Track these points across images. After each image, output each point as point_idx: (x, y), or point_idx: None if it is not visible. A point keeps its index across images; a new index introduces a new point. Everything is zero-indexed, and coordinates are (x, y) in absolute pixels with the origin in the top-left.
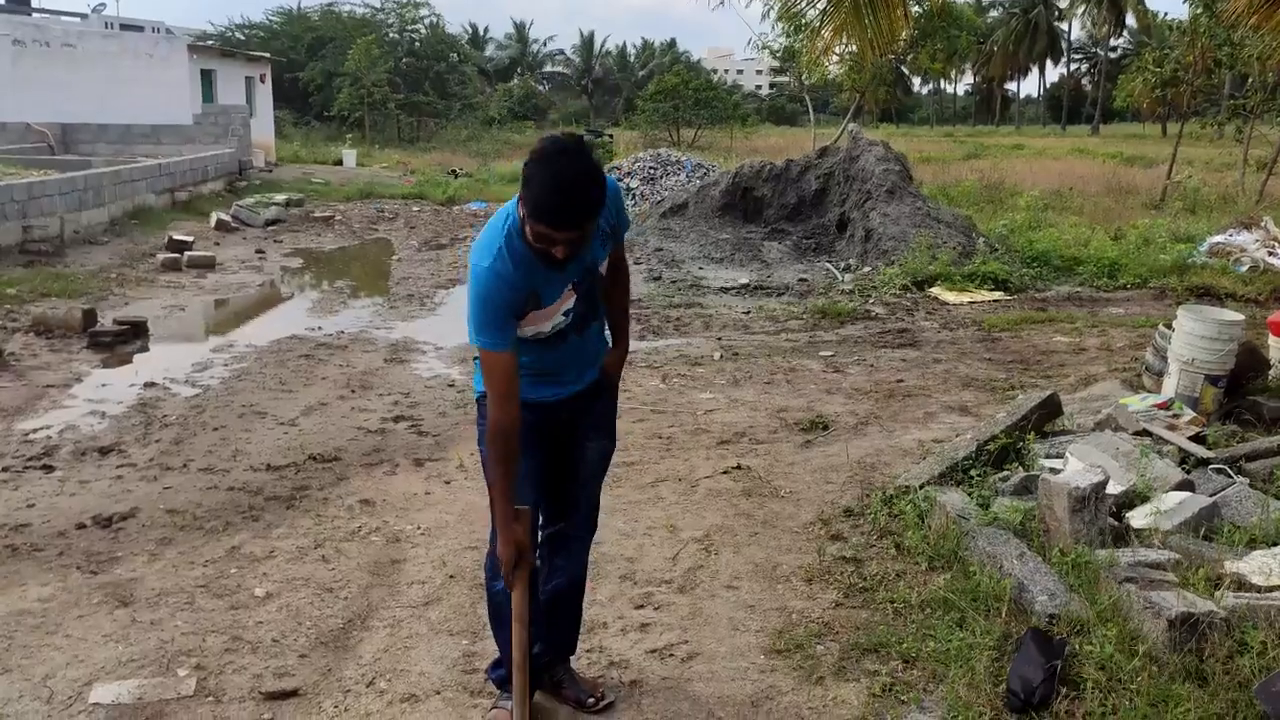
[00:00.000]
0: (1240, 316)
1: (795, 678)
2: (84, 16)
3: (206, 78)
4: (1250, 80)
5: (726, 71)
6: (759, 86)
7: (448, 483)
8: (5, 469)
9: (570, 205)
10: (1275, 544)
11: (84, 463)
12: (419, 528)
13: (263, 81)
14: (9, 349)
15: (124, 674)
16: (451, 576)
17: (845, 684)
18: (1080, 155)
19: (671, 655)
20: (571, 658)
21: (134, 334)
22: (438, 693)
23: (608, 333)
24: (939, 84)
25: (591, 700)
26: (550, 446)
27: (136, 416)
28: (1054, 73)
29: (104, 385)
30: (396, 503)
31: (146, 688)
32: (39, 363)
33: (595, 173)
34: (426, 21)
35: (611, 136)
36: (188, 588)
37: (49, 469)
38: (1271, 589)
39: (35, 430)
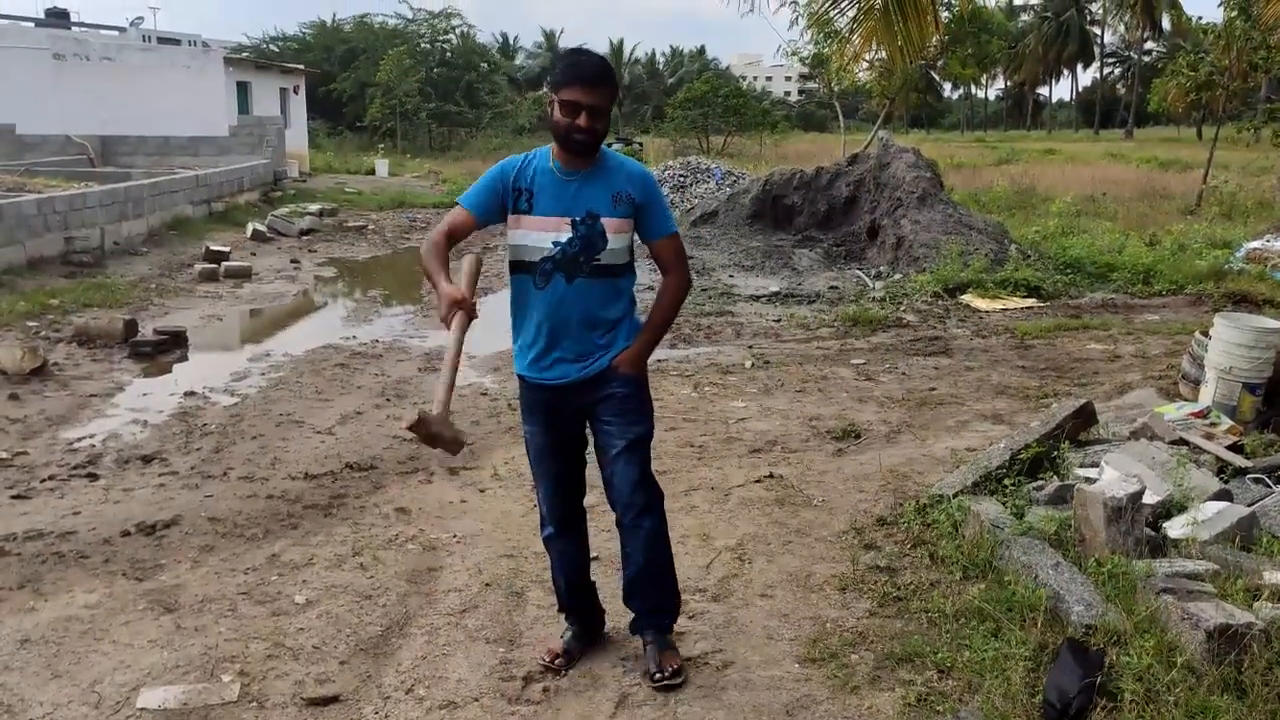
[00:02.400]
0: (1278, 324)
1: (830, 687)
2: (122, 30)
3: (242, 90)
4: None
5: (755, 78)
6: (788, 93)
7: (483, 491)
8: (51, 477)
9: (591, 63)
10: None
11: (127, 471)
12: (455, 536)
13: (296, 93)
14: (53, 359)
15: (169, 679)
16: (488, 584)
17: (880, 693)
18: (1114, 160)
19: (706, 664)
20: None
21: (174, 344)
22: (476, 700)
23: (622, 332)
24: (969, 89)
25: (658, 675)
26: (565, 434)
27: (177, 425)
28: (1086, 76)
29: (145, 394)
30: (432, 511)
31: (191, 693)
32: (82, 372)
33: (606, 59)
34: (458, 31)
35: (641, 144)
36: (230, 595)
37: (93, 477)
38: None
39: (79, 439)
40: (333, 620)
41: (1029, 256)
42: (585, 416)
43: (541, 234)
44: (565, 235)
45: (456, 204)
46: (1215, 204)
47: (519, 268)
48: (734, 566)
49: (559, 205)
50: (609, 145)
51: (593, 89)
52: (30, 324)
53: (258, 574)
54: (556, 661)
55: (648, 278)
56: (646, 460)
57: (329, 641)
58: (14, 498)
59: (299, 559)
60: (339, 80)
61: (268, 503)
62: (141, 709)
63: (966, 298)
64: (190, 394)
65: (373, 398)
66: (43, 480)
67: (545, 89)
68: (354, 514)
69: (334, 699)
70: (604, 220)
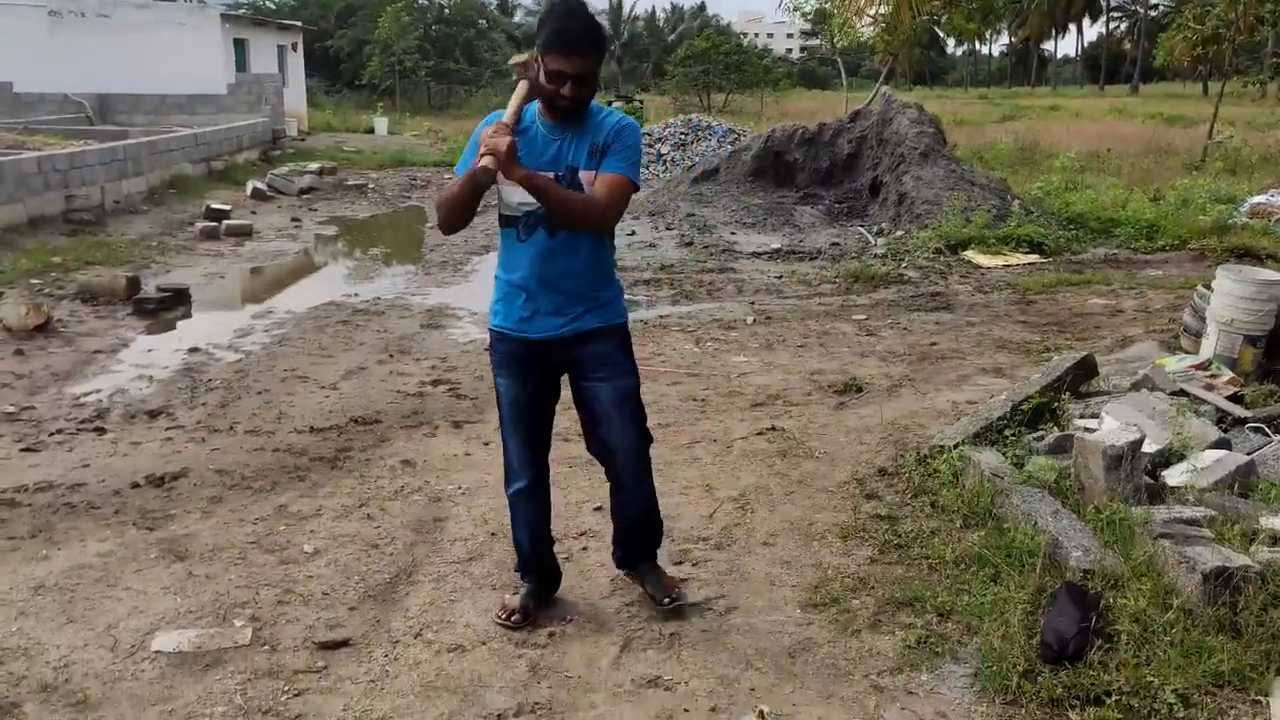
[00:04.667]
0: None
1: (831, 630)
2: None
3: (239, 47)
4: None
5: (756, 35)
6: (789, 50)
7: (486, 444)
8: (59, 431)
9: (577, 30)
10: None
11: (134, 425)
12: (459, 487)
13: (294, 50)
14: (57, 316)
15: (183, 624)
16: (493, 534)
17: (881, 636)
18: (1119, 116)
19: (710, 609)
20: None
21: (176, 301)
22: (484, 643)
23: (605, 293)
24: (973, 45)
25: (667, 600)
26: (542, 390)
27: (183, 381)
28: (1092, 31)
29: (150, 350)
30: (437, 463)
31: (205, 637)
32: (86, 329)
33: (595, 18)
34: None
35: (642, 102)
36: (239, 544)
37: (101, 431)
38: None
39: (86, 394)
40: (341, 568)
41: (1032, 213)
42: (562, 373)
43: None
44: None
45: (453, 175)
46: (1220, 159)
47: (505, 221)
48: (736, 516)
49: (543, 161)
50: (609, 104)
51: (580, 58)
52: (33, 281)
53: (266, 524)
54: (514, 618)
55: (648, 234)
56: (642, 413)
57: (338, 588)
58: (23, 450)
59: (306, 510)
60: (336, 37)
61: (274, 455)
62: (157, 651)
63: (968, 254)
64: (194, 350)
65: (376, 354)
66: (51, 434)
67: (534, 47)
68: (360, 466)
69: (344, 643)
70: (582, 174)
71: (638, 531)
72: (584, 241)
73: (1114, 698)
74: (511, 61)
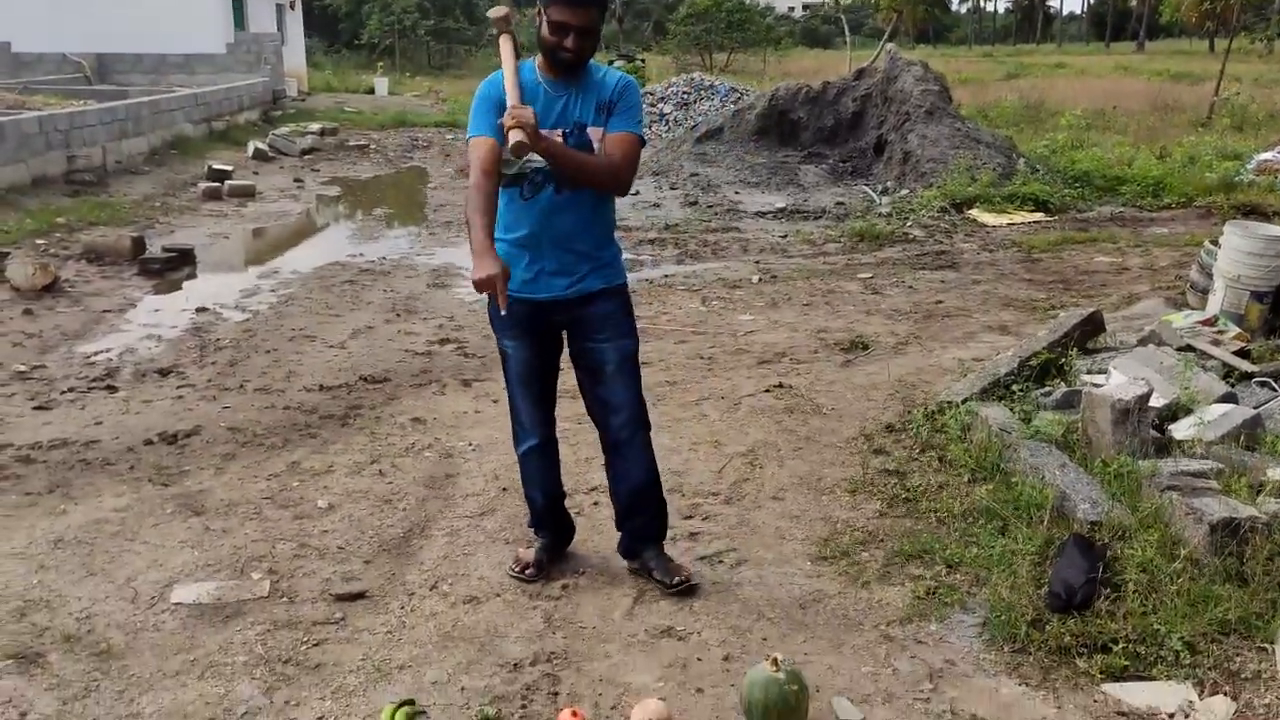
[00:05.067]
0: None
1: (841, 582)
2: None
3: (237, 5)
4: None
5: None
6: (792, 9)
7: (495, 401)
8: (71, 389)
9: None
10: None
11: (145, 383)
12: (470, 444)
13: (293, 8)
14: (63, 276)
15: (201, 577)
16: (504, 489)
17: (890, 587)
18: (1124, 73)
19: (721, 562)
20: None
21: (182, 261)
22: (498, 595)
23: (608, 255)
24: (978, 2)
25: (678, 580)
26: (547, 349)
27: (191, 340)
28: None
29: (157, 310)
30: (447, 421)
31: (224, 589)
32: (93, 289)
33: None
34: None
35: (644, 61)
36: (254, 499)
37: (112, 389)
38: None
39: (96, 353)
40: (355, 523)
41: (1037, 171)
42: (564, 331)
43: None
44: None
45: (470, 140)
46: (1226, 116)
47: (510, 180)
48: (745, 471)
49: (549, 119)
50: (611, 63)
51: (584, 9)
52: (39, 242)
53: (279, 480)
54: (528, 571)
55: (652, 193)
56: (639, 374)
57: (353, 542)
58: (36, 408)
59: (319, 466)
60: None
61: (285, 413)
62: (177, 603)
63: (973, 212)
64: (202, 310)
65: (383, 313)
66: (63, 392)
67: (538, 3)
68: (370, 424)
69: (361, 595)
70: (590, 129)
71: (643, 504)
72: (589, 197)
73: (1121, 645)
74: (491, 15)
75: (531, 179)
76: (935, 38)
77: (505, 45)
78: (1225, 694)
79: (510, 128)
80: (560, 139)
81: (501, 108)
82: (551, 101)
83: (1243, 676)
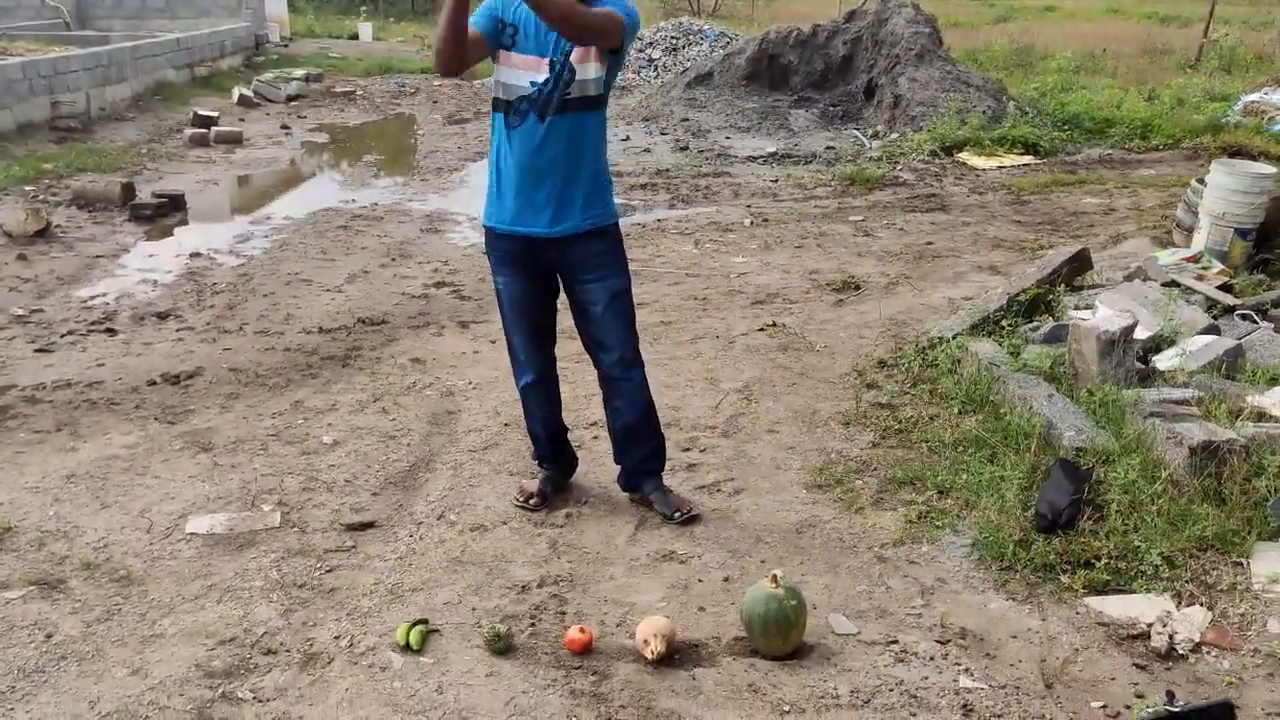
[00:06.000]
0: (1272, 170)
1: (836, 508)
2: None
3: None
4: None
5: None
6: None
7: (493, 342)
8: (70, 333)
9: None
10: None
11: (144, 327)
12: (470, 382)
13: None
14: (55, 222)
15: (213, 509)
16: (506, 424)
17: (883, 513)
18: (1114, 16)
19: (719, 490)
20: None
21: (173, 207)
22: (504, 523)
23: (597, 194)
24: None
25: (678, 514)
26: (539, 285)
27: (187, 284)
28: None
29: (151, 255)
30: (446, 361)
31: (237, 520)
32: (85, 235)
33: None
34: None
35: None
36: (260, 436)
37: (112, 332)
38: None
39: (93, 297)
40: (361, 458)
41: (1027, 114)
42: (556, 270)
43: (522, 73)
44: (543, 76)
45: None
46: (1215, 58)
47: (497, 105)
48: (741, 406)
49: (539, 46)
50: None
51: None
52: (27, 188)
53: (284, 418)
54: (532, 501)
55: (642, 139)
56: (631, 312)
57: (359, 476)
58: (37, 351)
59: (322, 405)
60: None
61: (286, 355)
62: (191, 534)
63: (963, 156)
64: (196, 255)
65: (378, 258)
66: (62, 335)
67: None
68: (370, 364)
69: (370, 525)
70: (573, 54)
71: (638, 439)
72: (572, 121)
73: (1103, 562)
74: None
75: (516, 107)
76: None
77: None
78: (1201, 604)
79: None
80: (547, 68)
81: (500, 26)
82: (542, 26)
83: (1218, 589)
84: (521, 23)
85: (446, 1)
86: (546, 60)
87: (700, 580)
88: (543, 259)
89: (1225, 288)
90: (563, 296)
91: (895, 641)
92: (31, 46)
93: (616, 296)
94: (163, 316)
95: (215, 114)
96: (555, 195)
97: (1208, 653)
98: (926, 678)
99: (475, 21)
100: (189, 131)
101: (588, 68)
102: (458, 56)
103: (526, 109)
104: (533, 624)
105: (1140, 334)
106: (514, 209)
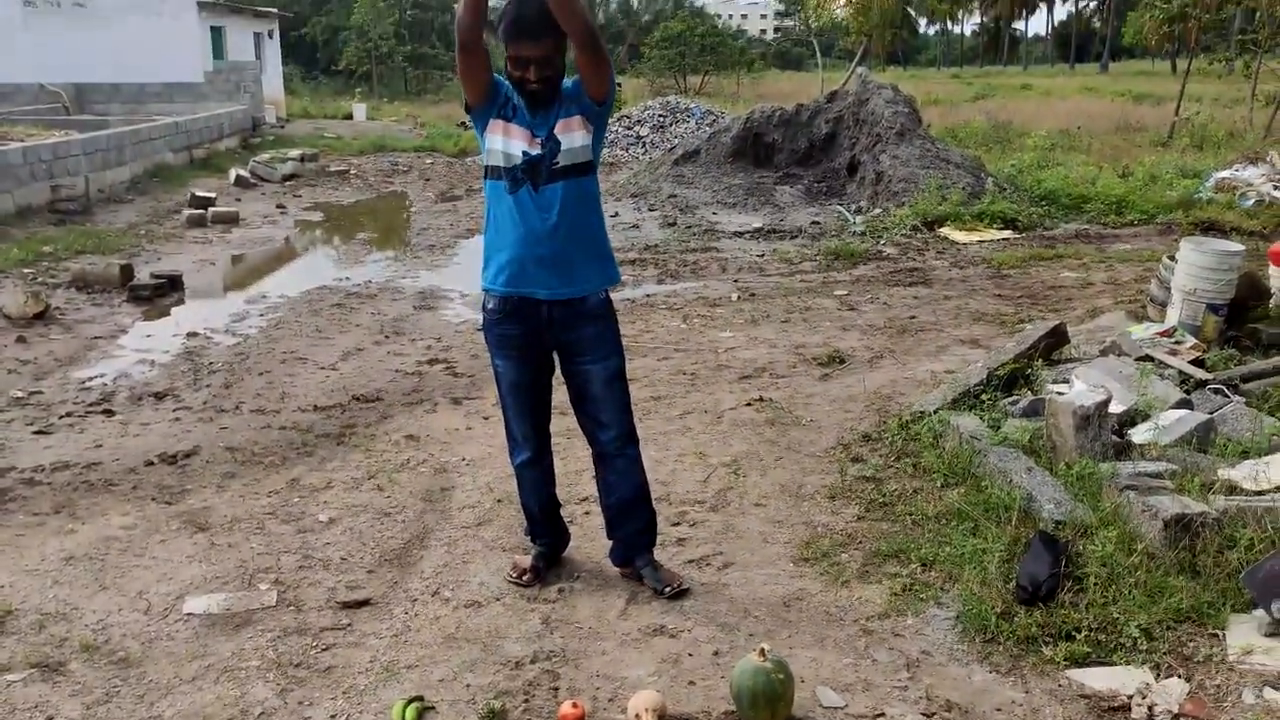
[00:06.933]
0: (1240, 247)
1: (822, 581)
2: None
3: (216, 34)
4: (1259, 15)
5: (731, 16)
6: (764, 31)
7: (486, 418)
8: (69, 414)
9: (529, 16)
10: (1265, 454)
11: (141, 407)
12: (464, 459)
13: (271, 37)
14: (54, 304)
15: (211, 589)
16: (499, 500)
17: (869, 585)
18: (1089, 94)
19: (708, 564)
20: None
21: (170, 287)
22: (498, 599)
23: (595, 262)
24: (946, 24)
25: (669, 588)
26: (537, 365)
27: (184, 364)
28: (1062, 10)
29: (148, 336)
30: (439, 437)
31: (233, 600)
32: (84, 316)
33: (545, 5)
34: None
35: (619, 85)
36: (257, 515)
37: (110, 413)
38: (1260, 492)
39: (91, 378)
40: (356, 535)
41: (1005, 189)
42: (554, 350)
43: (517, 142)
44: (536, 150)
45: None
46: (1187, 135)
47: (493, 173)
48: (729, 480)
49: (532, 124)
50: None
51: (535, 41)
52: (26, 271)
53: (280, 496)
54: (525, 577)
55: (631, 215)
56: (626, 390)
57: (355, 554)
58: (36, 433)
59: (318, 482)
60: (311, 24)
61: (281, 433)
62: (189, 614)
63: (944, 230)
64: (193, 335)
65: (372, 335)
66: (61, 416)
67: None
68: (365, 441)
69: (366, 602)
70: (560, 122)
71: (632, 514)
72: (566, 187)
73: (1083, 634)
74: None
75: (512, 174)
76: (905, 59)
77: None
78: (1180, 676)
79: None
80: (539, 144)
81: (501, 97)
82: (530, 115)
83: (1195, 660)
84: (520, 104)
85: None
86: (539, 138)
87: (690, 654)
88: (542, 338)
89: (1198, 362)
90: (557, 374)
91: (882, 714)
92: (32, 131)
93: (613, 376)
94: (160, 396)
95: (212, 195)
96: (553, 259)
97: None
98: None
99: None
100: (186, 212)
101: (573, 137)
102: (478, 26)
103: (522, 177)
104: (526, 700)
105: (1115, 408)
106: (513, 273)
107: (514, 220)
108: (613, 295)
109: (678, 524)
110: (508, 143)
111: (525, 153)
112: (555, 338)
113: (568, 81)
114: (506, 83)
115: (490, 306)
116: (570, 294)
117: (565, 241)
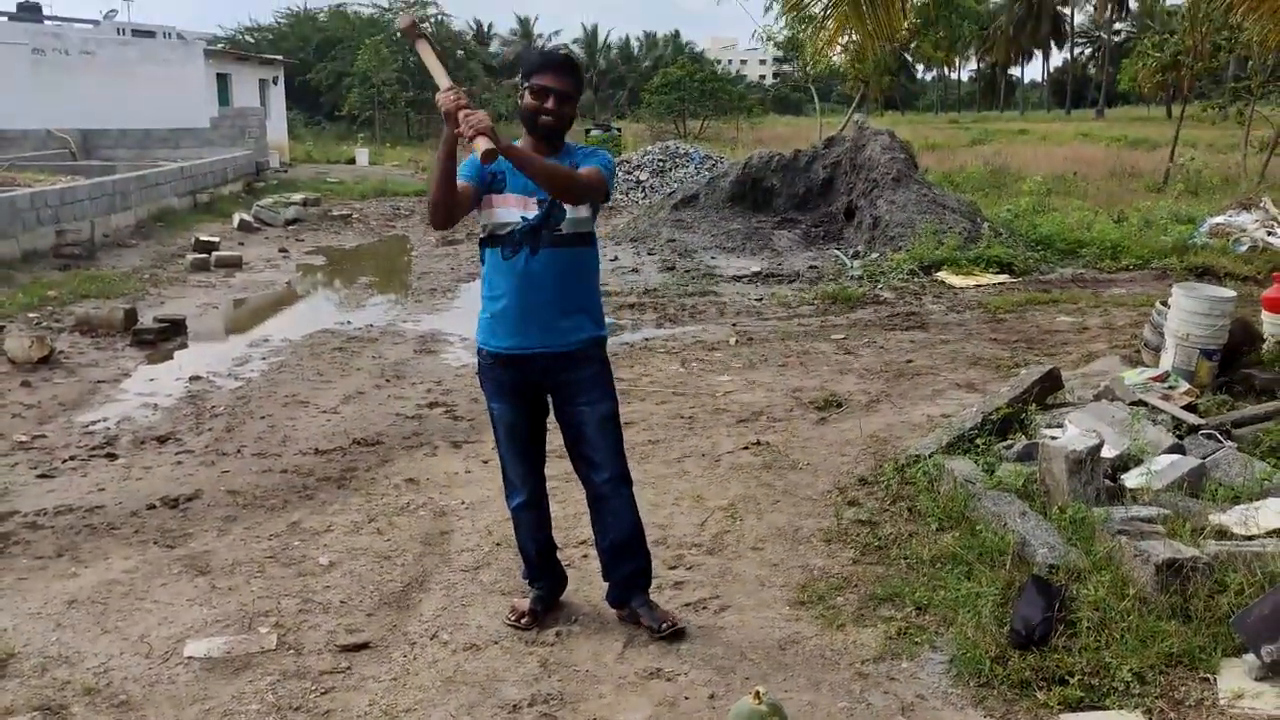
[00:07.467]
0: (1233, 293)
1: (818, 625)
2: (96, 23)
3: (222, 81)
4: (1251, 63)
5: (730, 62)
6: (763, 76)
7: (485, 462)
8: (72, 458)
9: (560, 54)
10: (1256, 499)
11: (144, 450)
12: (463, 502)
13: (275, 84)
14: (58, 348)
15: (211, 632)
16: (498, 544)
17: (864, 629)
18: (1084, 140)
19: (705, 608)
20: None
21: (174, 331)
22: (496, 643)
23: (589, 316)
24: (943, 71)
25: (665, 625)
26: (532, 410)
27: (187, 408)
28: (1058, 57)
29: (152, 380)
30: (439, 481)
31: (233, 643)
32: (88, 360)
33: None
34: (434, 19)
35: (619, 130)
36: (257, 558)
37: (112, 457)
38: (1250, 537)
39: (94, 422)
40: (356, 578)
41: (1001, 234)
42: (548, 394)
43: (512, 209)
44: (533, 212)
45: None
46: (1181, 181)
47: (489, 241)
48: (726, 524)
49: (528, 185)
50: (587, 132)
51: (562, 75)
52: (31, 315)
53: (281, 540)
54: (523, 620)
55: (630, 259)
56: (620, 432)
57: (354, 597)
58: (39, 477)
59: (318, 526)
60: (316, 70)
61: (282, 476)
62: (189, 657)
63: (941, 275)
64: (196, 379)
65: (373, 379)
66: (64, 460)
67: (518, 79)
68: (365, 485)
69: (365, 646)
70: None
71: (627, 555)
72: (566, 255)
73: (1076, 678)
74: (398, 26)
75: (510, 239)
76: (902, 105)
77: (423, 47)
78: None
79: (471, 137)
80: (535, 205)
81: (485, 175)
82: (526, 179)
83: (1187, 704)
84: (509, 169)
85: (437, 157)
86: (534, 199)
87: (687, 697)
88: (536, 383)
89: (1191, 408)
90: (551, 418)
91: None
92: (38, 176)
93: (606, 419)
94: (162, 440)
95: (216, 239)
96: (547, 323)
97: None
98: None
99: (463, 174)
100: (190, 257)
101: (579, 208)
102: (451, 212)
103: (519, 241)
104: None
105: (1108, 453)
106: (509, 332)
107: (509, 290)
108: (611, 339)
109: (675, 567)
110: (504, 210)
111: (524, 217)
112: (549, 381)
113: (585, 146)
114: (478, 163)
115: (485, 352)
116: (562, 348)
117: (562, 311)
